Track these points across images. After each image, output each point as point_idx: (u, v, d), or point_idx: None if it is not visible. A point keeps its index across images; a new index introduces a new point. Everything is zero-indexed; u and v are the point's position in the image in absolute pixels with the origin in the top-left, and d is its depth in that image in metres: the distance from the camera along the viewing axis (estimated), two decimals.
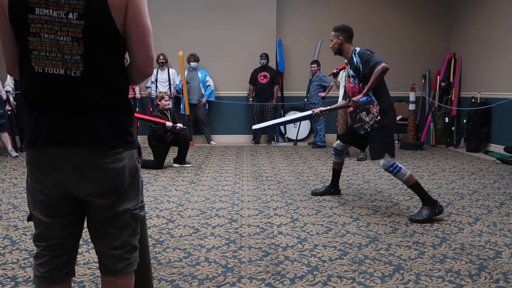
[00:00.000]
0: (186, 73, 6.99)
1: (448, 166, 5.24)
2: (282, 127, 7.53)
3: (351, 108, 3.28)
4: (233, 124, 7.53)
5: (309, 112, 3.81)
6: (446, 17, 7.57)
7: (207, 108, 7.19)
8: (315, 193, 3.73)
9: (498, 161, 5.54)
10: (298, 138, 7.35)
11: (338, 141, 3.59)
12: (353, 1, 7.53)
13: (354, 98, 3.14)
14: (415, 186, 3.08)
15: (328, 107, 3.66)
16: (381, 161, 3.09)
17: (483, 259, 2.33)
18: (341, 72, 5.58)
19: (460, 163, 5.43)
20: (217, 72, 7.28)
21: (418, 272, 2.15)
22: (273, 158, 5.86)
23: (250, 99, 7.24)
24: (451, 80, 7.24)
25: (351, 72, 3.26)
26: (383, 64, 2.98)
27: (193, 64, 6.91)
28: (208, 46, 7.23)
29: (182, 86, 6.87)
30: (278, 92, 7.30)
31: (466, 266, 2.23)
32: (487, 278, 2.10)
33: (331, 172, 3.80)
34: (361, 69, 3.13)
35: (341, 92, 5.66)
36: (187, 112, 6.97)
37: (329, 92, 6.75)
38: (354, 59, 3.17)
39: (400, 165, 3.06)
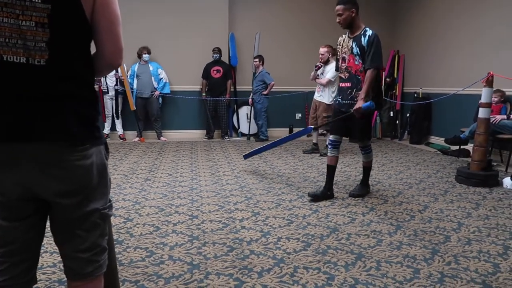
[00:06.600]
0: (136, 66, 6.75)
1: (395, 157, 5.52)
2: (235, 122, 7.52)
3: (357, 107, 3.15)
4: (186, 119, 7.40)
5: (308, 128, 3.87)
6: (390, 15, 7.94)
7: (160, 102, 6.99)
8: (314, 197, 3.38)
9: (439, 152, 5.94)
10: (250, 133, 7.38)
11: (333, 135, 3.47)
12: None
13: (356, 107, 3.15)
14: (369, 169, 3.59)
15: (327, 121, 3.59)
16: (361, 142, 3.46)
17: (434, 244, 2.48)
18: (323, 68, 5.47)
19: (406, 155, 5.75)
20: (168, 66, 7.08)
21: (379, 259, 2.25)
22: (228, 153, 5.83)
23: (203, 93, 7.14)
24: (395, 76, 7.63)
25: (356, 50, 3.21)
26: (374, 72, 3.13)
27: (145, 56, 6.67)
28: (159, 40, 7.02)
29: (121, 78, 6.63)
30: (231, 87, 7.27)
31: (420, 251, 2.37)
32: (440, 261, 2.24)
33: (325, 171, 3.56)
34: (364, 51, 3.17)
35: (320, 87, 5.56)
36: (132, 107, 6.71)
37: (272, 89, 6.88)
38: (362, 40, 3.17)
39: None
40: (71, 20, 1.07)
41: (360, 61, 3.23)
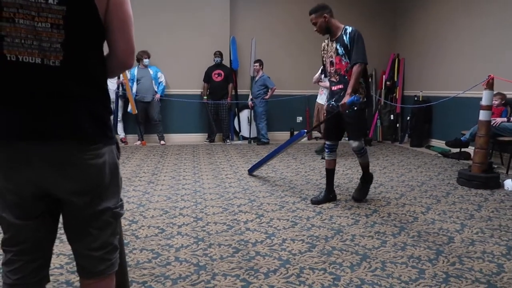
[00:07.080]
0: (136, 70, 6.77)
1: (396, 160, 5.54)
2: (236, 125, 7.54)
3: (343, 102, 3.12)
4: (187, 123, 7.42)
5: (301, 132, 3.76)
6: (391, 20, 7.98)
7: (159, 105, 7.01)
8: (317, 203, 3.39)
9: (439, 155, 5.96)
10: (251, 136, 7.40)
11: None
12: (303, 1, 7.69)
13: (342, 102, 3.13)
14: (368, 169, 3.47)
15: (317, 123, 3.51)
16: (355, 144, 3.29)
17: (438, 245, 2.50)
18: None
19: (406, 158, 5.76)
20: (170, 70, 7.11)
21: (383, 260, 2.26)
22: (230, 156, 5.85)
23: (205, 97, 7.17)
24: (396, 79, 7.67)
25: (341, 50, 3.19)
26: (360, 67, 3.10)
27: (145, 61, 6.70)
28: (161, 43, 7.05)
29: (123, 83, 6.65)
30: (233, 90, 7.29)
31: (425, 252, 2.38)
32: (444, 261, 2.25)
33: (325, 175, 3.55)
34: (348, 49, 3.16)
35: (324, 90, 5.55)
36: (134, 111, 6.73)
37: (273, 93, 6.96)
38: (345, 39, 3.16)
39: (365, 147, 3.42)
40: (86, 21, 1.09)
41: (346, 60, 3.20)
